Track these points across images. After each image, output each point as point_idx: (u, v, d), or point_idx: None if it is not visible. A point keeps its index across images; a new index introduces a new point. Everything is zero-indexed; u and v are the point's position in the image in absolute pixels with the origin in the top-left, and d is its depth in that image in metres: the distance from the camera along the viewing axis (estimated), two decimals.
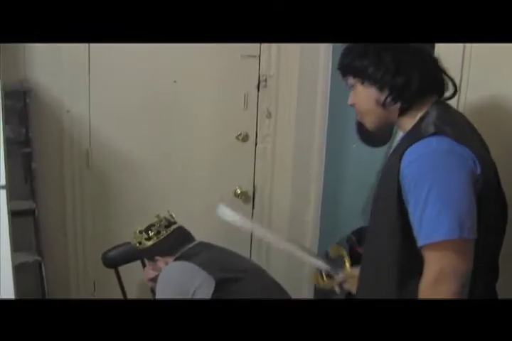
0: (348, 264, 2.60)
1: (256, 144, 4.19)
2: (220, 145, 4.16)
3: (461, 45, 2.71)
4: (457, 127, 2.04)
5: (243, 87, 4.12)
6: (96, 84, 3.82)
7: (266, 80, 4.10)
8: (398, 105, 2.15)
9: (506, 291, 2.46)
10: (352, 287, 2.49)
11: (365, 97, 2.22)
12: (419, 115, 2.13)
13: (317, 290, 4.10)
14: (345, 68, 2.25)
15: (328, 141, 4.17)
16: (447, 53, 2.60)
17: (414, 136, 2.03)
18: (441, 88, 2.20)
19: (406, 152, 1.98)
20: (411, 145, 1.98)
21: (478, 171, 1.93)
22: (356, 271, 2.35)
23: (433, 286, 1.91)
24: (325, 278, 2.64)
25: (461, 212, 1.87)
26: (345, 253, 2.66)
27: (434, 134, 1.97)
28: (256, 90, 4.13)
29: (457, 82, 2.54)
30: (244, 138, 4.15)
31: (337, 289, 2.62)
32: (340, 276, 2.60)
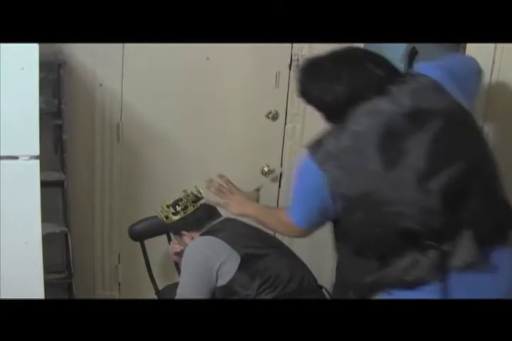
0: None
1: (285, 123, 4.19)
2: (250, 123, 4.17)
3: (492, 45, 2.68)
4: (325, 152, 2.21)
5: (275, 66, 4.09)
6: (129, 58, 3.83)
7: (298, 60, 4.07)
8: None
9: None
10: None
11: None
12: None
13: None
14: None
15: None
16: (478, 54, 2.61)
17: None
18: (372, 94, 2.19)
19: None
20: None
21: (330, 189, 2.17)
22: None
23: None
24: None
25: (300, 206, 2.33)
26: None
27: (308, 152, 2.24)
28: (288, 69, 4.11)
29: (486, 81, 2.58)
30: (274, 117, 4.14)
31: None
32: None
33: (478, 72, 2.37)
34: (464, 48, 2.79)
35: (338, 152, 2.17)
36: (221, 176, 2.90)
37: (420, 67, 2.30)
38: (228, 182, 2.88)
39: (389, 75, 2.21)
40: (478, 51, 2.65)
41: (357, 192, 2.14)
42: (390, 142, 2.11)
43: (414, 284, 2.14)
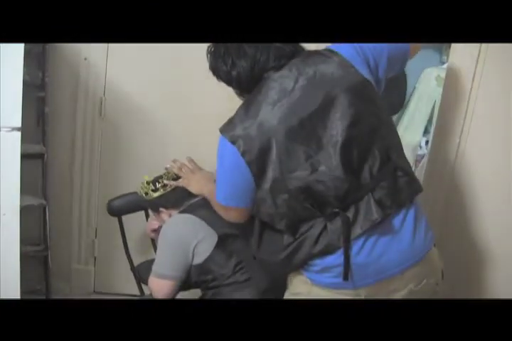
0: None
1: None
2: (235, 101, 4.15)
3: (477, 45, 2.69)
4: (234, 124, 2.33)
5: None
6: None
7: None
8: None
9: (506, 291, 2.49)
10: None
11: None
12: None
13: None
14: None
15: None
16: (462, 54, 2.63)
17: None
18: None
19: None
20: None
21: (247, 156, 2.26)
22: None
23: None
24: None
25: (223, 184, 2.44)
26: None
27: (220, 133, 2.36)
28: None
29: (470, 80, 2.63)
30: None
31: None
32: None
33: (396, 62, 2.41)
34: (449, 48, 2.82)
35: (245, 122, 2.29)
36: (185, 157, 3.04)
37: (336, 45, 2.36)
38: (191, 161, 3.04)
39: (293, 50, 2.34)
40: (462, 51, 2.67)
41: (263, 158, 2.24)
42: (292, 110, 2.23)
43: (323, 253, 2.26)
